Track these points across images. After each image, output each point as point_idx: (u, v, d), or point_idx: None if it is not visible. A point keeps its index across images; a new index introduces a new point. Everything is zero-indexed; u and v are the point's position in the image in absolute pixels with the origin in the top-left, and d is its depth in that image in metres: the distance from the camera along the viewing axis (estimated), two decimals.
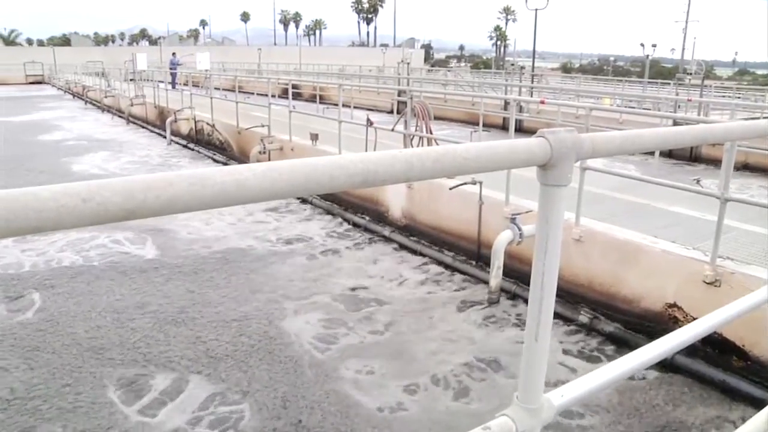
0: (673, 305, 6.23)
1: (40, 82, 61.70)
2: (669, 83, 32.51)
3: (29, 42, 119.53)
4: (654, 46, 44.70)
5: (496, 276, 7.43)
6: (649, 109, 20.59)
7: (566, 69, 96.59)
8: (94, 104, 34.57)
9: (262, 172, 0.85)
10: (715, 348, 5.84)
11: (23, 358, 6.21)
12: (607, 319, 6.86)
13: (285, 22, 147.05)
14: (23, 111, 32.47)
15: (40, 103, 38.09)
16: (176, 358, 6.25)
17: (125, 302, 7.62)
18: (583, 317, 6.96)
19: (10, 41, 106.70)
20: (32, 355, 6.30)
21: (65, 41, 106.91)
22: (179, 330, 6.87)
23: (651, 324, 6.42)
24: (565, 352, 6.48)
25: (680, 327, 1.71)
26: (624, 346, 6.49)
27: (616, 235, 6.88)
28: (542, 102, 11.96)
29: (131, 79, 30.07)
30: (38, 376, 5.88)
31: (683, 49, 54.61)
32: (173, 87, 27.39)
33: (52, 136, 22.68)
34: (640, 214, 8.12)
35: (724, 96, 28.17)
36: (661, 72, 66.42)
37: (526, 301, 7.45)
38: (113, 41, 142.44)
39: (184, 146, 19.57)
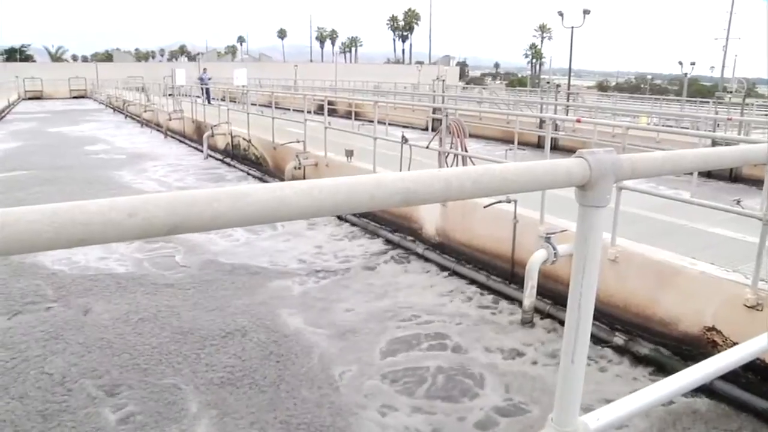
0: (712, 329, 6.09)
1: (82, 97, 63.41)
2: (708, 102, 32.01)
3: (74, 58, 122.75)
4: (693, 63, 44.17)
5: (529, 296, 7.36)
6: (688, 128, 20.29)
7: (602, 87, 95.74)
8: (133, 118, 35.30)
9: (303, 189, 0.86)
10: (758, 374, 5.69)
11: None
12: (642, 342, 6.73)
13: (321, 39, 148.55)
14: (67, 124, 33.35)
15: (82, 116, 39.09)
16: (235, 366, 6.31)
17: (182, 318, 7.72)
18: (618, 339, 6.84)
19: (57, 57, 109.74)
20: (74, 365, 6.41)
21: (108, 57, 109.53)
22: (224, 337, 6.94)
23: (688, 348, 6.28)
24: (600, 374, 6.38)
25: (719, 351, 1.67)
26: (660, 369, 6.36)
27: (652, 256, 6.76)
28: (578, 121, 11.89)
29: (170, 94, 30.65)
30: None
31: (723, 66, 53.68)
32: (209, 102, 27.86)
33: (94, 149, 23.26)
34: (678, 235, 7.97)
35: (766, 115, 27.64)
36: (700, 90, 65.44)
37: (560, 321, 7.36)
38: (153, 57, 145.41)
39: (221, 160, 19.84)
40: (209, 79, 33.27)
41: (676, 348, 6.43)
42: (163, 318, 7.62)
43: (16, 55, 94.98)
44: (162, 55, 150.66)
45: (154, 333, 7.18)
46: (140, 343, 6.90)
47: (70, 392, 5.85)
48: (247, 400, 5.79)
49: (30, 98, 60.52)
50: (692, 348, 6.20)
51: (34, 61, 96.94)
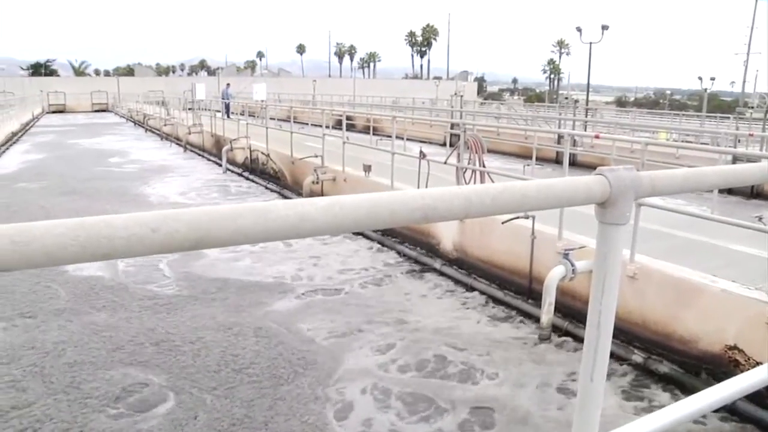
0: (734, 348, 6.00)
1: (104, 110, 64.31)
2: (729, 117, 31.78)
3: (97, 72, 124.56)
4: (713, 79, 43.93)
5: (547, 312, 7.30)
6: (708, 144, 20.13)
7: (621, 102, 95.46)
8: (153, 132, 35.69)
9: (324, 206, 0.87)
10: None
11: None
12: (662, 360, 6.65)
13: (340, 55, 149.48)
14: (89, 137, 33.84)
15: (103, 130, 39.64)
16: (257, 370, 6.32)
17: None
18: (637, 357, 6.77)
19: (80, 72, 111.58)
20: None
21: (129, 71, 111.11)
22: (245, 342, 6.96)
23: (709, 366, 6.20)
24: (619, 392, 6.31)
25: (742, 371, 1.65)
26: (680, 388, 6.28)
27: (672, 273, 6.70)
28: (597, 136, 11.84)
29: (189, 108, 30.96)
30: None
31: (744, 81, 53.24)
32: (228, 116, 28.12)
33: (115, 161, 23.57)
34: (698, 252, 7.89)
35: None
36: (720, 106, 64.97)
37: (577, 338, 7.31)
38: (173, 71, 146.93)
39: (239, 174, 19.98)
40: (231, 96, 33.60)
41: (697, 367, 6.35)
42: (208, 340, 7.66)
43: (42, 69, 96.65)
44: (182, 70, 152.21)
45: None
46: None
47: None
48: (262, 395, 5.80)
49: (53, 111, 61.51)
50: (713, 367, 6.12)
51: (58, 75, 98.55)
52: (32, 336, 7.38)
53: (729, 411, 5.73)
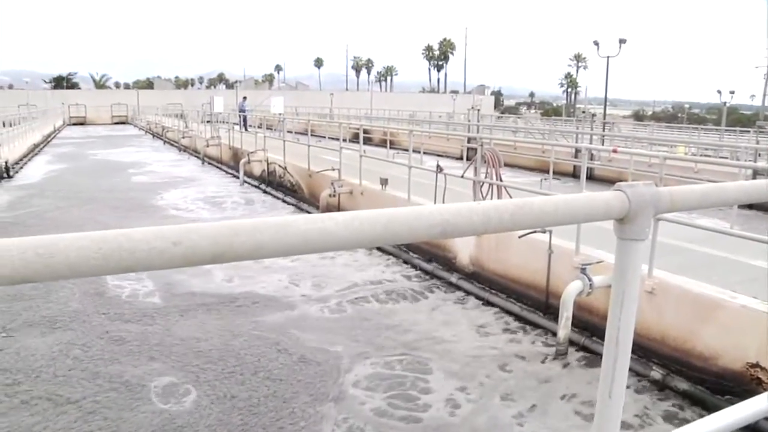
0: (756, 365, 5.91)
1: (123, 123, 65.13)
2: (749, 131, 31.49)
3: (117, 85, 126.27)
4: (732, 92, 43.61)
5: (564, 327, 7.25)
6: (727, 158, 19.95)
7: (638, 116, 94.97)
8: (172, 144, 36.02)
9: (344, 221, 0.87)
10: None
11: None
12: (681, 377, 6.57)
13: (357, 68, 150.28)
14: (109, 148, 34.27)
15: (123, 142, 40.11)
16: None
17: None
18: (656, 373, 6.70)
19: (101, 85, 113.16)
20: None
21: (149, 84, 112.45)
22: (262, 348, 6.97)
23: (730, 384, 6.11)
24: (637, 409, 6.24)
25: (765, 389, 1.63)
26: (700, 405, 6.20)
27: (691, 289, 6.63)
28: (614, 150, 11.78)
29: (208, 121, 31.23)
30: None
31: (765, 95, 52.86)
32: (245, 129, 28.33)
33: (134, 172, 23.82)
34: (717, 267, 7.81)
35: None
36: (740, 119, 64.42)
37: (595, 353, 7.24)
38: (192, 85, 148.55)
39: (256, 187, 20.08)
40: (248, 109, 33.88)
41: (717, 384, 6.26)
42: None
43: (64, 82, 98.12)
44: (201, 83, 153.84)
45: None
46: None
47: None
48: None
49: (74, 124, 62.38)
50: (734, 384, 6.03)
51: (80, 88, 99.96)
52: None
53: (753, 431, 5.64)
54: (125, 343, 7.63)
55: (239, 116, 31.04)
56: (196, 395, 6.32)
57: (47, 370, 6.81)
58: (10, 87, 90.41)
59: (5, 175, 21.26)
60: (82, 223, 14.23)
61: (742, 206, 15.64)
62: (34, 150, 31.39)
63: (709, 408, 6.01)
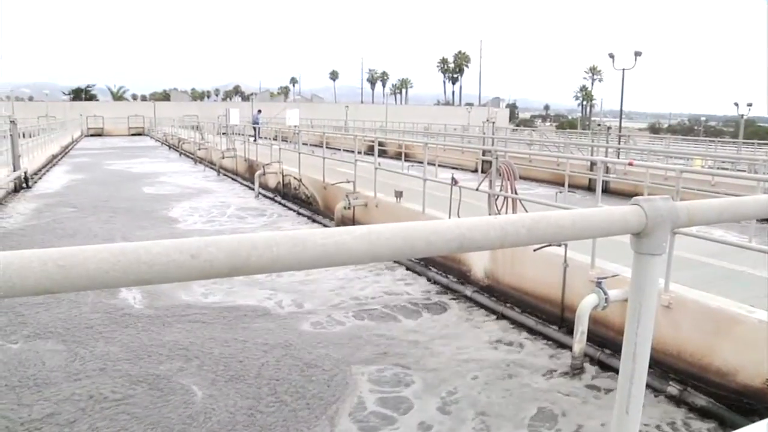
0: None
1: (140, 134, 65.78)
2: (767, 144, 31.21)
3: (134, 97, 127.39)
4: (749, 105, 43.11)
5: (579, 341, 7.19)
6: (745, 171, 19.78)
7: (654, 129, 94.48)
8: (187, 156, 36.28)
9: (360, 235, 0.88)
10: None
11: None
12: (698, 392, 6.49)
13: (372, 81, 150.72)
14: (125, 159, 34.63)
15: (139, 153, 40.53)
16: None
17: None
18: (672, 389, 6.62)
19: (118, 96, 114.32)
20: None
21: (165, 96, 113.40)
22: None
23: (750, 401, 6.02)
24: (654, 425, 6.17)
25: None
26: (718, 422, 6.12)
27: (708, 303, 6.56)
28: (630, 163, 11.70)
29: (223, 133, 31.43)
30: None
31: None
32: (255, 140, 28.51)
33: (151, 183, 24.06)
34: (734, 281, 7.72)
35: None
36: (758, 132, 63.95)
37: (611, 368, 7.17)
38: (208, 97, 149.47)
39: (272, 199, 20.16)
40: (262, 121, 34.12)
41: (737, 401, 6.17)
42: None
43: (82, 94, 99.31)
44: (217, 95, 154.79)
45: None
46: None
47: None
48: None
49: (92, 135, 63.14)
50: (755, 401, 5.95)
51: (98, 100, 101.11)
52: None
53: None
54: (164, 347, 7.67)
55: (254, 128, 31.27)
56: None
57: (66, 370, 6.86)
58: (31, 99, 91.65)
59: (24, 185, 21.52)
60: (97, 233, 14.36)
61: (761, 219, 15.49)
62: (53, 161, 31.77)
63: (729, 425, 5.94)
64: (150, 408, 6.26)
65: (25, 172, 21.91)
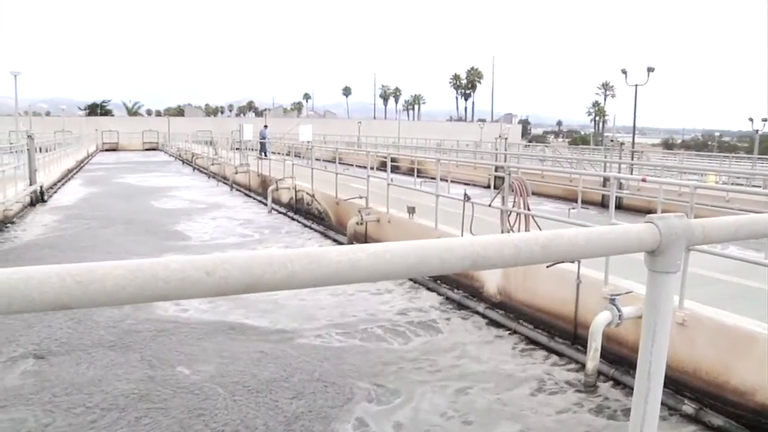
0: None
1: (154, 149, 66.31)
2: None
3: (149, 112, 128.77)
4: (765, 120, 42.84)
5: (593, 359, 7.14)
6: (760, 187, 19.63)
7: (668, 145, 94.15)
8: (201, 171, 36.51)
9: (375, 253, 0.88)
10: None
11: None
12: (714, 412, 6.41)
13: (385, 97, 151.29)
14: (139, 174, 34.95)
15: (153, 168, 40.86)
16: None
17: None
18: (688, 408, 6.54)
19: (133, 112, 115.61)
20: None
21: (180, 112, 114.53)
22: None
23: None
24: None
25: None
26: None
27: (724, 321, 6.49)
28: (644, 179, 11.68)
29: (237, 148, 31.59)
30: None
31: None
32: (264, 155, 28.57)
33: (164, 197, 24.27)
34: (751, 299, 7.64)
35: None
36: None
37: (625, 386, 7.10)
38: (222, 112, 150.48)
39: (284, 214, 20.21)
40: (269, 137, 34.23)
41: (755, 421, 6.08)
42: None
43: (98, 109, 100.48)
44: (230, 111, 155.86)
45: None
46: None
47: None
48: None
49: (107, 149, 63.73)
50: None
51: (113, 115, 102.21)
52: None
53: None
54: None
55: (260, 143, 31.38)
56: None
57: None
58: (48, 114, 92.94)
59: (40, 199, 21.74)
60: (110, 248, 14.45)
61: None
62: (68, 175, 32.07)
63: None
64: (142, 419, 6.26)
65: (41, 186, 22.13)
